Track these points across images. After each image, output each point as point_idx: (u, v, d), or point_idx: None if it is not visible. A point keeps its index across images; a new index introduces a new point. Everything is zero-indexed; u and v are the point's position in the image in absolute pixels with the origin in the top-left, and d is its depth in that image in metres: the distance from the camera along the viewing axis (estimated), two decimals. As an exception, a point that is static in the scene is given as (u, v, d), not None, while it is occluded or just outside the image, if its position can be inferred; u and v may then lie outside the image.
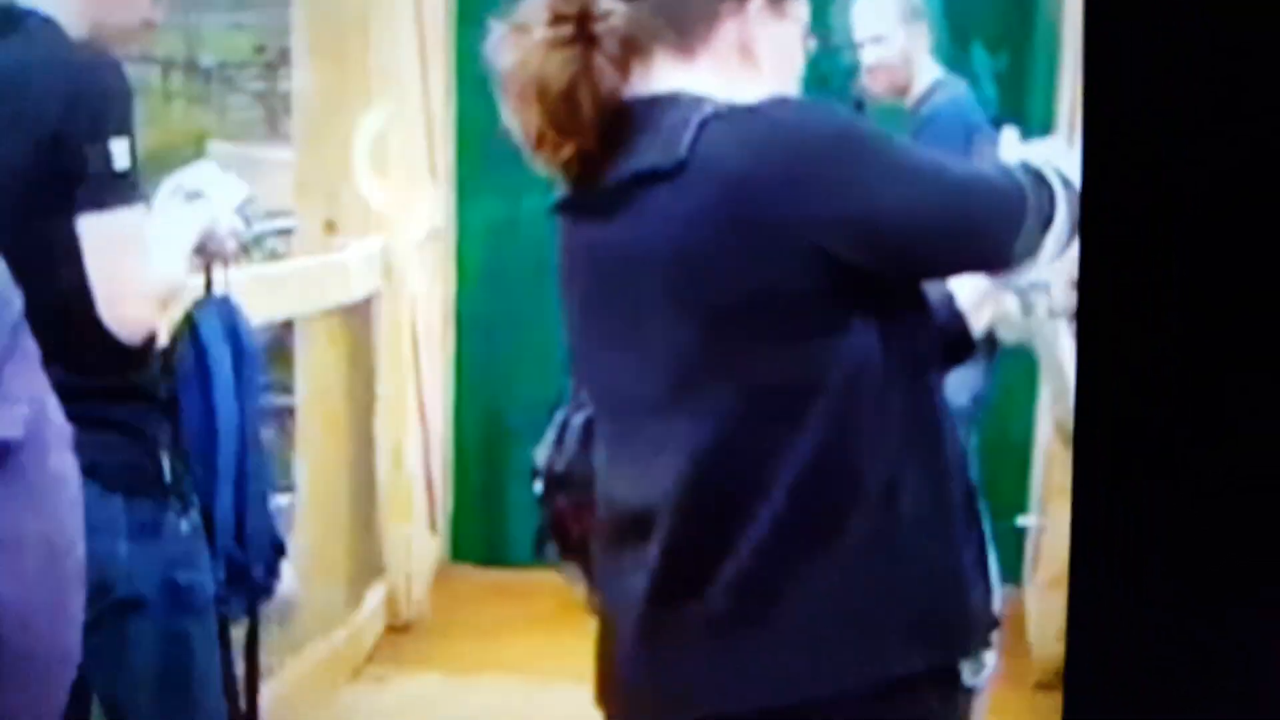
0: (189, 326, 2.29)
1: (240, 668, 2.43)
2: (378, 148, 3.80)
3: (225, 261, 2.33)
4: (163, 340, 2.22)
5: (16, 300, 1.11)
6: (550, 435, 1.88)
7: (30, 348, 1.10)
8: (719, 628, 1.62)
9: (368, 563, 4.03)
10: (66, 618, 1.11)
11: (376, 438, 4.01)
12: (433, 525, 4.38)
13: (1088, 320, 1.04)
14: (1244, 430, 1.01)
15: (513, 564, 4.21)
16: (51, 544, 1.09)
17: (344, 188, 3.82)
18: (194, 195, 2.23)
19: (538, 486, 1.89)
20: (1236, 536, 1.02)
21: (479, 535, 4.58)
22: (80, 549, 1.12)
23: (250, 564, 2.32)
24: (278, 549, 2.39)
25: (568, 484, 1.85)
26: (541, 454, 1.89)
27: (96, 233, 2.03)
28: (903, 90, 3.77)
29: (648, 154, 1.59)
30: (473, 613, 4.18)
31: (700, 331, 1.59)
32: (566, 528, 1.88)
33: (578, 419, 1.85)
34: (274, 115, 3.23)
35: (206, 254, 2.29)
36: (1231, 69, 1.00)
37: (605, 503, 1.75)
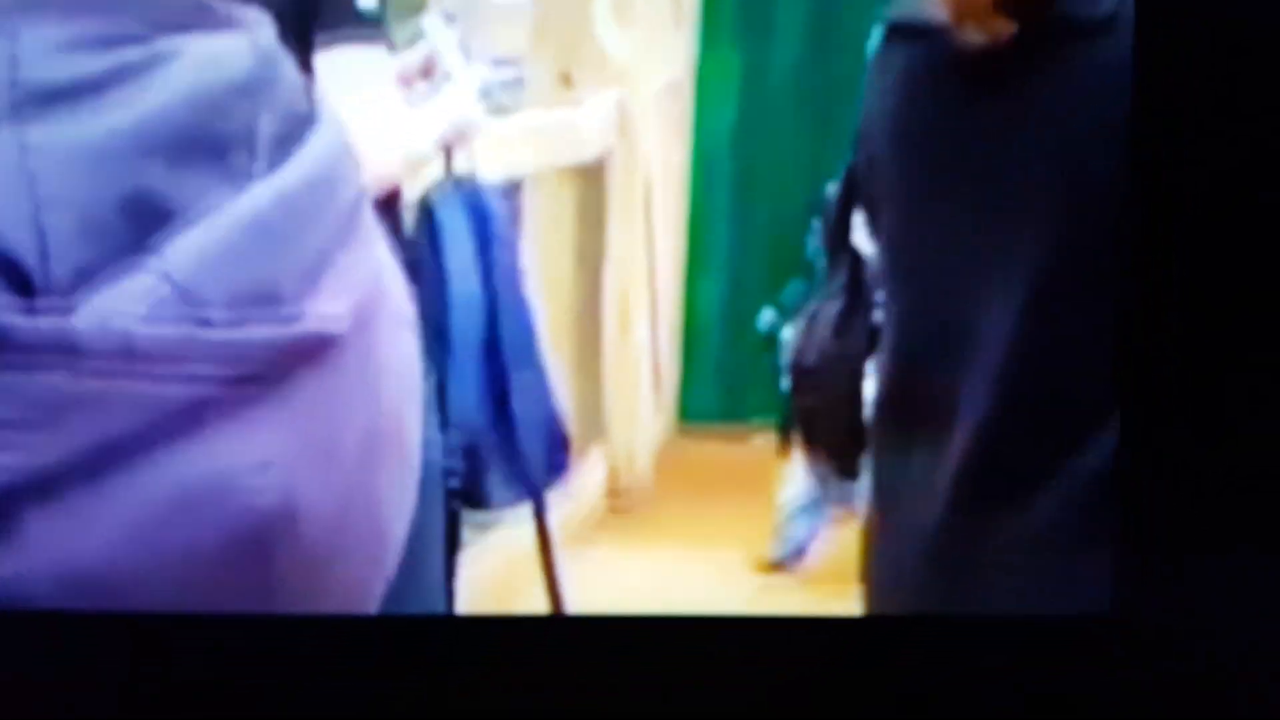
0: (425, 210, 2.19)
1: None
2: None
3: (466, 146, 2.22)
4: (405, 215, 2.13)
5: (355, 177, 0.95)
6: (799, 325, 1.77)
7: (369, 225, 0.95)
8: (1053, 538, 1.45)
9: (590, 432, 3.92)
10: (386, 517, 0.99)
11: (604, 302, 3.89)
12: (658, 394, 4.26)
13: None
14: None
15: (745, 422, 4.06)
16: (375, 436, 0.96)
17: (582, 36, 3.67)
18: (444, 79, 2.13)
19: (785, 382, 1.79)
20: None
21: (710, 401, 4.46)
22: (413, 439, 1.00)
23: (525, 454, 2.23)
24: (560, 440, 2.29)
25: (818, 378, 1.74)
26: (789, 346, 1.78)
27: (334, 71, 1.88)
28: None
29: (1069, 4, 1.45)
30: (697, 489, 4.04)
31: (1070, 215, 1.44)
32: (814, 425, 1.78)
33: (830, 308, 1.73)
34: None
35: (449, 142, 2.19)
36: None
37: (890, 387, 1.59)
